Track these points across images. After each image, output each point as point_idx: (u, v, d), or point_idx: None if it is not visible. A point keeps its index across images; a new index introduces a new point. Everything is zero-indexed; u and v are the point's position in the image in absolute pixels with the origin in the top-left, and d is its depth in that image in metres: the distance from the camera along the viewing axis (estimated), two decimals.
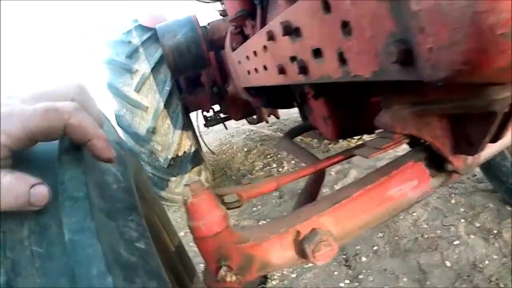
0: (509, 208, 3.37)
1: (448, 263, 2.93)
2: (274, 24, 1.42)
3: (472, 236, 3.15)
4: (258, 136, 7.98)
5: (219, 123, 6.05)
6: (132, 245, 0.87)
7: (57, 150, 0.91)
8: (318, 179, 2.14)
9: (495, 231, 3.14)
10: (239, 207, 1.73)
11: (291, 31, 1.28)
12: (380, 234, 3.51)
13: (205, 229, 1.30)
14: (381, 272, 3.03)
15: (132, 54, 4.71)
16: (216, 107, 5.83)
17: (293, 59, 1.40)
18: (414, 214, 3.66)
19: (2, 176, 0.74)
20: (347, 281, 3.03)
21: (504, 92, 1.12)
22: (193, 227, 1.31)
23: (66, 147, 0.91)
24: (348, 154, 1.86)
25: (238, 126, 9.08)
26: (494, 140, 1.39)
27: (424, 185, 1.62)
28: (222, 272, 1.32)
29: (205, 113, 6.02)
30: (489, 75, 0.66)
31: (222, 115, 5.97)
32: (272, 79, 1.80)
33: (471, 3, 0.58)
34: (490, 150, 1.78)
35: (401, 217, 3.68)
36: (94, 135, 0.85)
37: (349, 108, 1.99)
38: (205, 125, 6.03)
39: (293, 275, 3.27)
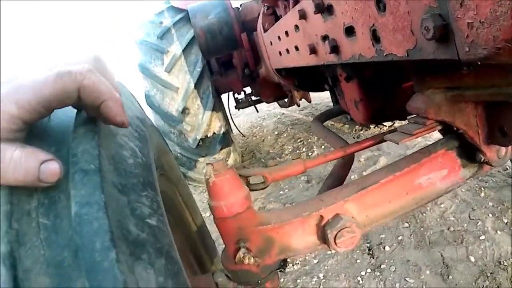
0: None
1: (472, 258, 2.88)
2: (307, 2, 1.38)
3: (499, 232, 3.09)
4: (289, 119, 7.96)
5: (250, 105, 6.05)
6: (142, 222, 0.84)
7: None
8: (346, 164, 2.10)
9: None
10: (264, 188, 1.68)
11: (324, 8, 1.24)
12: (406, 225, 3.47)
13: (226, 209, 1.28)
14: (404, 263, 2.99)
15: (164, 35, 4.72)
16: (248, 90, 5.81)
17: (324, 38, 1.36)
18: (442, 205, 3.61)
19: (13, 150, 0.73)
20: (368, 270, 3.01)
21: None
22: (214, 207, 1.28)
23: (82, 120, 0.88)
24: (378, 140, 1.79)
25: (269, 110, 9.09)
26: None
27: (454, 175, 1.58)
28: (240, 253, 1.30)
29: (236, 95, 6.00)
30: None
31: (253, 98, 5.95)
32: (303, 59, 1.76)
33: None
34: None
35: (429, 208, 3.63)
36: (108, 96, 0.81)
37: (381, 92, 1.94)
38: (236, 107, 6.04)
39: (315, 261, 3.25)
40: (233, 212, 1.27)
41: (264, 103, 5.93)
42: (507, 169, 3.71)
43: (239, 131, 6.80)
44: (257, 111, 6.62)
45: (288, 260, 3.26)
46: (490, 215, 3.33)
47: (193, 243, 1.94)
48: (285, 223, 1.36)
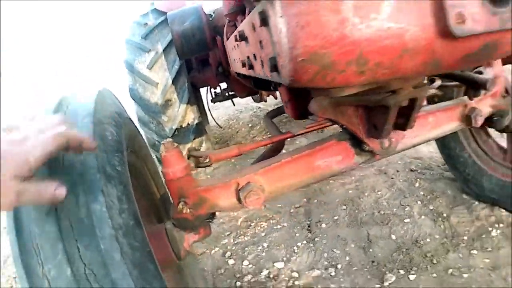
0: (464, 196, 3.77)
1: (393, 237, 3.38)
2: (237, 30, 1.95)
3: (422, 217, 3.59)
4: (263, 113, 8.34)
5: (225, 99, 6.47)
6: (114, 167, 1.45)
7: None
8: (276, 149, 2.64)
9: (444, 215, 3.56)
10: (209, 165, 2.27)
11: (244, 38, 1.79)
12: (344, 207, 3.99)
13: (172, 174, 1.89)
14: (335, 238, 3.51)
15: (147, 35, 5.23)
16: (224, 85, 6.29)
17: (247, 57, 1.92)
18: (379, 192, 4.14)
19: (36, 184, 1.14)
20: (304, 242, 3.54)
21: (398, 91, 1.65)
22: (164, 172, 1.90)
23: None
24: (293, 133, 2.41)
25: (247, 103, 9.50)
26: (403, 128, 1.95)
27: (348, 160, 2.17)
28: (180, 206, 1.91)
29: (213, 90, 6.47)
30: (304, 83, 1.20)
31: (228, 93, 6.40)
32: (241, 69, 2.32)
33: (290, 44, 1.11)
34: (413, 140, 2.35)
35: (367, 194, 4.16)
36: (81, 138, 1.32)
37: (299, 96, 2.46)
38: (212, 101, 6.46)
39: (263, 234, 3.80)
40: (176, 176, 1.87)
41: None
42: (445, 164, 4.08)
43: (216, 122, 7.23)
44: (234, 105, 7.07)
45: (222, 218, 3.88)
46: (419, 202, 3.84)
47: (156, 207, 2.52)
48: (213, 186, 1.96)
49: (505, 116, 2.74)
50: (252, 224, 4.03)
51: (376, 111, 1.92)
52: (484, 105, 2.59)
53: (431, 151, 4.75)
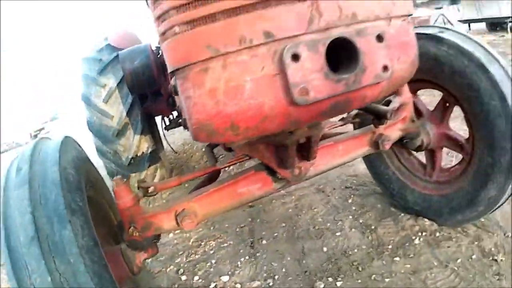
0: (392, 209, 4.24)
1: (325, 249, 3.85)
2: (171, 84, 2.48)
3: (353, 230, 4.06)
4: None
5: (178, 126, 6.92)
6: (76, 203, 1.99)
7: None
8: (213, 177, 3.11)
9: (372, 227, 4.02)
10: (155, 195, 2.81)
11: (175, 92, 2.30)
12: (283, 224, 4.49)
13: (122, 204, 2.44)
14: (274, 252, 4.00)
15: (102, 71, 5.70)
16: (176, 113, 6.70)
17: None
18: (315, 209, 4.64)
19: None
20: (247, 257, 4.04)
21: (294, 132, 2.25)
22: (117, 203, 2.42)
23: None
24: (219, 166, 2.97)
25: None
26: (307, 159, 2.58)
27: (267, 187, 2.75)
28: (130, 230, 2.47)
29: (166, 118, 6.90)
30: (202, 140, 1.93)
31: (180, 120, 6.81)
32: None
33: (187, 116, 1.81)
34: (325, 165, 2.93)
35: (304, 211, 4.66)
36: None
37: None
38: (165, 129, 6.94)
39: (211, 252, 4.30)
40: (126, 206, 2.42)
41: None
42: None
43: (171, 148, 7.64)
44: (188, 130, 7.51)
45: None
46: (351, 217, 4.32)
47: (113, 231, 3.00)
48: (157, 213, 2.53)
49: (416, 138, 3.34)
50: (202, 244, 4.49)
51: (281, 147, 2.50)
52: (393, 130, 3.14)
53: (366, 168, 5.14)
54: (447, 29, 3.26)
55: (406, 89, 3.18)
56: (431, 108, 3.65)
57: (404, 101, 3.19)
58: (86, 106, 5.77)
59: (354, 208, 4.52)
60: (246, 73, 1.73)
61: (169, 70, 1.91)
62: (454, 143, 3.54)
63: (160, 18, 1.86)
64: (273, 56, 1.71)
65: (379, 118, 3.02)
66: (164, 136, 7.10)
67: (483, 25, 21.54)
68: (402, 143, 3.49)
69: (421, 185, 3.87)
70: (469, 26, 21.95)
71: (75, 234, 1.81)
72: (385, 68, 1.83)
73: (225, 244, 4.40)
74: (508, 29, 18.34)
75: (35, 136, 28.70)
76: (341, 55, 1.81)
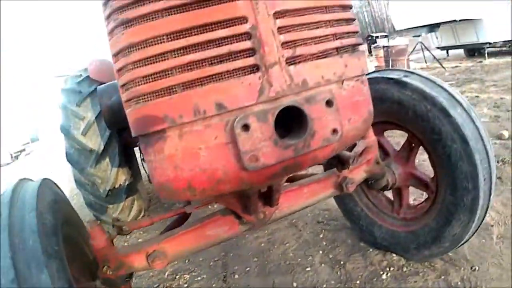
0: (362, 244, 4.36)
1: (295, 284, 3.97)
2: None
3: (323, 265, 4.16)
4: None
5: None
6: (52, 247, 2.08)
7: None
8: (183, 218, 3.26)
9: (342, 262, 4.13)
10: (129, 233, 2.94)
11: None
12: (256, 259, 4.59)
13: (96, 245, 2.57)
14: (245, 287, 4.12)
15: (81, 103, 5.80)
16: None
17: None
18: (287, 244, 4.74)
19: None
20: None
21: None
22: (91, 244, 2.56)
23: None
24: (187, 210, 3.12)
25: None
26: (271, 205, 2.76)
27: (234, 230, 2.89)
28: (104, 269, 2.60)
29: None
30: (167, 199, 2.16)
31: None
32: None
33: (151, 177, 2.03)
34: (291, 208, 3.10)
35: (276, 246, 4.77)
36: None
37: None
38: (142, 160, 6.92)
39: (185, 285, 4.41)
40: (100, 246, 2.56)
41: None
42: None
43: (149, 179, 7.56)
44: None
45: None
46: (321, 252, 4.42)
47: (89, 267, 3.10)
48: (129, 253, 2.67)
49: (381, 179, 3.51)
50: (177, 277, 4.60)
51: (244, 196, 2.66)
52: (358, 173, 3.29)
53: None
54: (412, 72, 3.40)
55: (371, 132, 3.32)
56: (398, 147, 3.81)
57: (369, 144, 3.33)
58: (65, 137, 5.88)
59: (324, 243, 4.63)
60: (201, 142, 1.92)
61: (133, 135, 2.10)
62: (420, 182, 3.71)
63: (123, 87, 2.02)
64: (225, 127, 1.89)
65: (342, 163, 3.16)
66: (143, 166, 7.21)
67: (461, 51, 21.82)
68: (367, 184, 3.67)
69: (388, 221, 4.02)
70: (447, 52, 22.30)
71: (51, 277, 1.93)
72: (335, 131, 1.99)
73: (199, 278, 4.51)
74: (486, 55, 18.65)
75: (16, 157, 28.59)
76: (294, 117, 1.97)
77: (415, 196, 5.01)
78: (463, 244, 3.54)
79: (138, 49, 1.90)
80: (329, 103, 1.98)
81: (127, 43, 1.92)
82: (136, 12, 1.87)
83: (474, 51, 20.95)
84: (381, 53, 17.89)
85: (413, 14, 19.34)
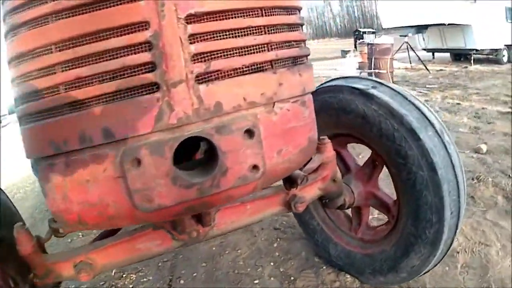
0: (316, 259, 4.21)
1: None
2: None
3: (272, 279, 4.02)
4: None
5: None
6: None
7: None
8: (114, 229, 3.02)
9: (292, 278, 3.98)
10: (64, 236, 2.79)
11: None
12: (204, 264, 4.46)
13: (23, 251, 2.40)
14: None
15: None
16: None
17: None
18: (239, 251, 4.60)
19: None
20: None
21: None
22: (18, 249, 2.40)
23: None
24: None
25: None
26: (204, 226, 2.59)
27: (166, 244, 2.69)
28: (31, 276, 2.48)
29: None
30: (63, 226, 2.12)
31: None
32: None
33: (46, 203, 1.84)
34: (232, 225, 2.87)
35: (227, 252, 4.63)
36: None
37: None
38: None
39: (130, 286, 4.31)
40: (27, 252, 2.39)
41: None
42: None
43: None
44: None
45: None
46: (272, 263, 4.27)
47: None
48: (56, 261, 2.52)
49: (337, 198, 3.28)
50: (124, 275, 4.48)
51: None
52: (310, 190, 3.02)
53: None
54: (381, 84, 3.20)
55: (329, 146, 3.04)
56: (361, 162, 3.65)
57: (326, 160, 3.04)
58: None
59: (277, 253, 4.49)
60: (88, 174, 1.73)
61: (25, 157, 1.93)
62: (381, 203, 3.52)
63: (15, 101, 1.88)
64: (114, 158, 1.69)
65: (290, 182, 2.85)
66: None
67: (447, 55, 22.02)
68: (321, 202, 3.50)
69: (345, 240, 3.85)
70: (433, 55, 22.55)
71: None
72: (255, 167, 1.79)
73: (145, 279, 4.40)
74: (472, 61, 18.79)
75: None
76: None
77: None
78: (423, 275, 3.40)
79: (27, 59, 1.73)
80: (249, 133, 1.76)
81: (16, 52, 1.76)
82: (26, 15, 1.69)
83: (460, 56, 21.28)
84: (365, 49, 17.72)
85: (401, 13, 19.39)
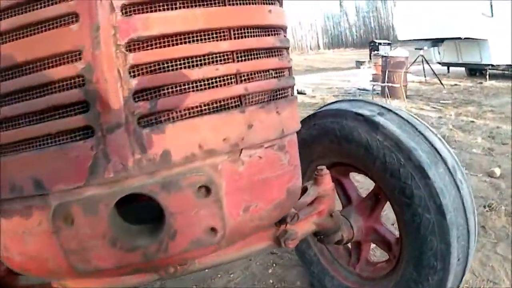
0: None
1: None
2: None
3: None
4: None
5: None
6: None
7: None
8: None
9: None
10: None
11: None
12: (194, 286, 4.21)
13: None
14: None
15: None
16: None
17: None
18: (232, 275, 4.32)
19: None
20: None
21: None
22: None
23: None
24: None
25: None
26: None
27: (142, 278, 2.33)
28: None
29: None
30: None
31: None
32: None
33: None
34: (217, 259, 2.51)
35: (220, 275, 4.34)
36: None
37: None
38: None
39: None
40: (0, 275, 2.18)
41: None
42: None
43: None
44: None
45: None
46: None
47: None
48: (31, 286, 2.26)
49: (334, 234, 2.91)
50: None
51: None
52: (304, 226, 2.66)
53: None
54: (389, 110, 2.84)
55: (327, 178, 2.70)
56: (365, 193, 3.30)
57: (323, 193, 2.69)
58: None
59: (271, 280, 4.21)
60: (23, 226, 1.44)
61: None
62: (382, 240, 3.15)
63: None
64: (47, 212, 1.39)
65: (279, 222, 2.48)
66: None
67: (462, 69, 21.80)
68: (316, 237, 3.08)
69: (342, 274, 3.52)
70: (448, 69, 22.26)
71: None
72: (213, 229, 1.49)
73: None
74: (487, 77, 18.53)
75: None
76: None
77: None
78: None
79: None
80: (204, 190, 1.45)
81: None
82: None
83: (475, 71, 20.96)
84: (380, 61, 17.32)
85: (417, 26, 19.10)
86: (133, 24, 1.34)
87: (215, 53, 1.50)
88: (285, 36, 1.84)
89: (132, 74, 1.36)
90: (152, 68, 1.40)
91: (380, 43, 28.03)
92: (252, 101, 1.61)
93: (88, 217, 1.35)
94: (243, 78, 1.57)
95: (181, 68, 1.44)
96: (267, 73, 1.66)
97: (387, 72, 15.17)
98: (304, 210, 2.64)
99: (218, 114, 1.50)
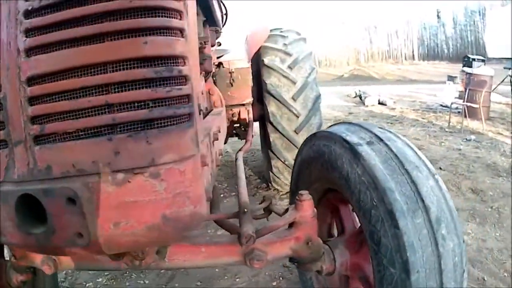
0: None
1: None
2: None
3: None
4: None
5: None
6: None
7: None
8: None
9: None
10: None
11: None
12: (199, 283, 4.26)
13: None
14: None
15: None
16: None
17: None
18: (238, 279, 4.31)
19: None
20: None
21: None
22: None
23: None
24: None
25: None
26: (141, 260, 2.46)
27: (113, 263, 2.48)
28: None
29: None
30: None
31: None
32: None
33: None
34: (184, 263, 2.58)
35: (227, 277, 4.35)
36: None
37: None
38: None
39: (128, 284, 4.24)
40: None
41: None
42: None
43: None
44: None
45: None
46: None
47: None
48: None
49: (311, 263, 2.71)
50: (125, 273, 4.48)
51: None
52: (278, 248, 2.57)
53: None
54: (381, 140, 2.50)
55: (306, 204, 2.57)
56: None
57: (300, 219, 2.58)
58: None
59: None
60: None
61: None
62: (367, 281, 2.71)
63: None
64: None
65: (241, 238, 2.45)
66: None
67: None
68: (292, 263, 2.85)
69: None
70: None
71: None
72: (80, 235, 1.69)
73: (141, 282, 4.35)
74: None
75: None
76: None
77: None
78: None
79: None
80: (72, 201, 1.65)
81: None
82: None
83: None
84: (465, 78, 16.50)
85: (508, 43, 18.05)
86: (30, 64, 1.64)
87: (88, 87, 1.65)
88: (174, 64, 1.80)
89: (30, 103, 1.66)
90: (45, 99, 1.67)
91: (474, 59, 27.02)
92: (121, 130, 1.68)
93: (3, 204, 1.69)
94: (113, 109, 1.67)
95: (65, 99, 1.66)
96: (142, 103, 1.70)
97: (468, 91, 14.30)
98: (279, 233, 2.60)
99: (89, 139, 1.66)
